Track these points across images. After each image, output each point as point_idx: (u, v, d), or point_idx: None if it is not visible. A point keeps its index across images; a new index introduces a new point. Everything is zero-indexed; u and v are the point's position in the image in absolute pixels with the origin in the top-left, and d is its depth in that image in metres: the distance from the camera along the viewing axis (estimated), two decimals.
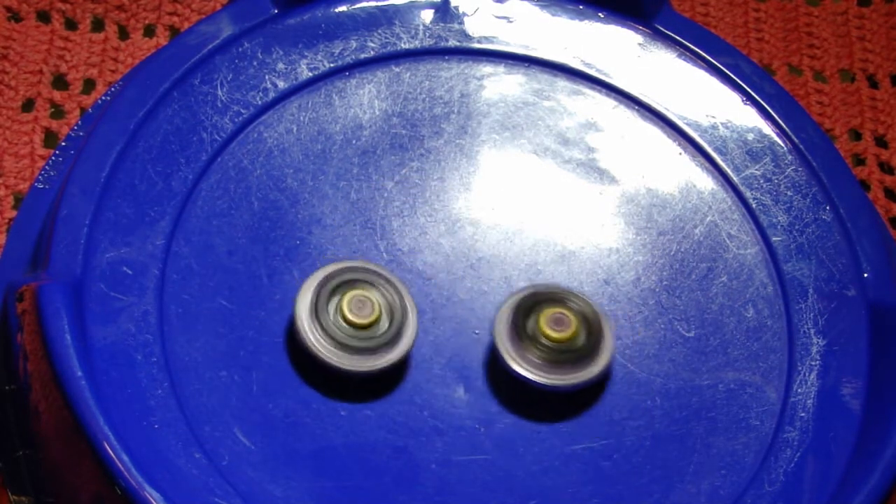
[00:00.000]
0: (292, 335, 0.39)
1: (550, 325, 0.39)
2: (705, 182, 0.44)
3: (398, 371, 0.39)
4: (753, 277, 0.43)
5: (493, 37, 0.45)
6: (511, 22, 0.46)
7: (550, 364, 0.39)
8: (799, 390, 0.41)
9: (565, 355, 0.39)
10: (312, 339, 0.38)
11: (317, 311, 0.38)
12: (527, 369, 0.39)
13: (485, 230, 0.42)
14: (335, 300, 0.38)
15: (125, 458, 0.35)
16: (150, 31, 0.51)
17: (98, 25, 0.51)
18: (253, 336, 0.39)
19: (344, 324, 0.38)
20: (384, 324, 0.38)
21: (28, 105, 0.49)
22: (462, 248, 0.42)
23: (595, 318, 0.39)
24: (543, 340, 0.39)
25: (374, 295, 0.39)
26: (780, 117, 0.45)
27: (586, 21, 0.46)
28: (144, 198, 0.40)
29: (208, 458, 0.37)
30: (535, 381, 0.38)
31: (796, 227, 0.43)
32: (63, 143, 0.45)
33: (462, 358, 0.40)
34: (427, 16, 0.45)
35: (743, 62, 0.46)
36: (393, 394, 0.39)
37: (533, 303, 0.39)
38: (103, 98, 0.46)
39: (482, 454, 0.39)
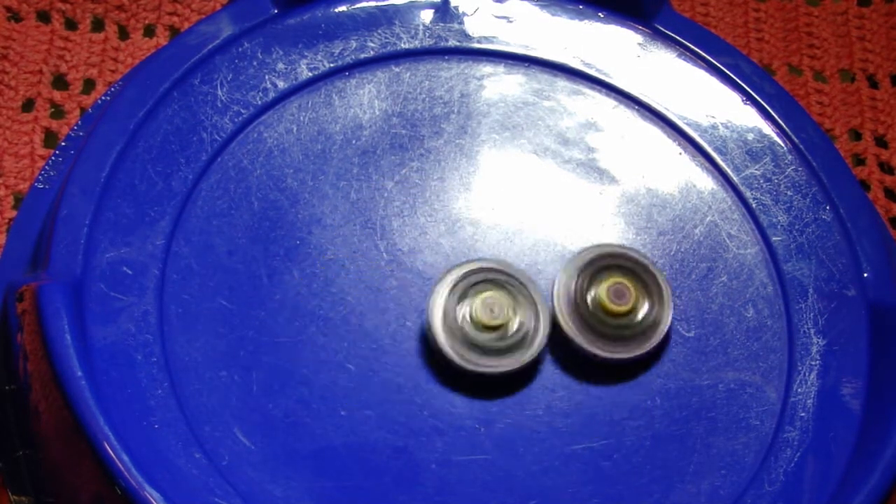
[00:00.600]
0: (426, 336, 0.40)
1: (611, 298, 0.39)
2: (705, 182, 0.44)
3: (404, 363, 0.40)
4: (753, 277, 0.43)
5: (493, 37, 0.45)
6: (511, 22, 0.46)
7: (612, 340, 0.39)
8: (799, 390, 0.41)
9: (627, 330, 0.39)
10: (443, 341, 0.39)
11: (454, 312, 0.39)
12: (594, 345, 0.39)
13: (485, 230, 0.42)
14: (466, 302, 0.39)
15: (125, 458, 0.35)
16: (150, 31, 0.51)
17: (98, 25, 0.51)
18: (253, 336, 0.39)
19: (473, 326, 0.39)
20: (513, 325, 0.39)
21: (28, 105, 0.49)
22: (462, 248, 0.42)
23: (654, 281, 0.40)
24: (603, 315, 0.39)
25: (504, 297, 0.39)
26: (780, 117, 0.45)
27: (586, 21, 0.46)
28: (144, 198, 0.40)
29: (208, 458, 0.37)
30: (602, 357, 0.39)
31: (796, 226, 0.43)
32: (63, 143, 0.45)
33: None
34: (427, 16, 0.45)
35: (743, 62, 0.46)
36: (393, 394, 0.39)
37: (594, 270, 0.40)
38: (103, 98, 0.46)
39: (482, 454, 0.39)
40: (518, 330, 0.39)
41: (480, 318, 0.39)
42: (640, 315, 0.40)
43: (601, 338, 0.39)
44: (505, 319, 0.39)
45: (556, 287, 0.40)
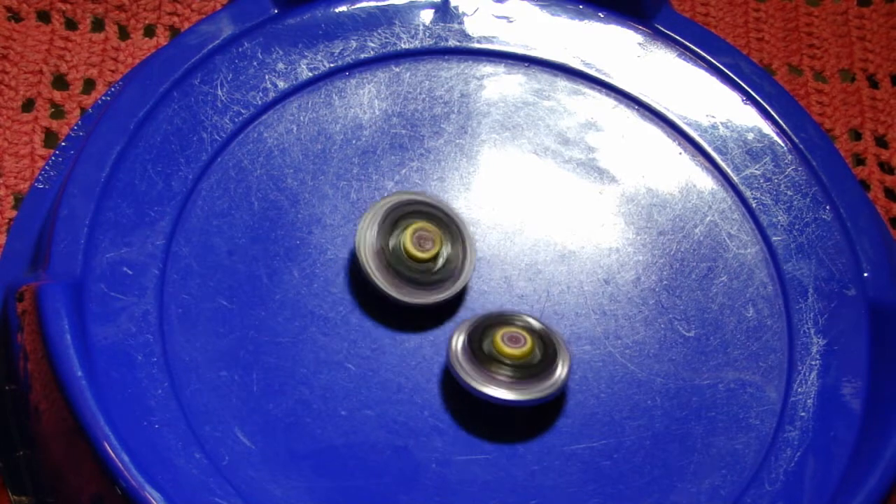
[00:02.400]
0: (355, 268, 0.39)
1: (507, 343, 0.39)
2: (705, 182, 0.44)
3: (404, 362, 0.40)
4: (753, 277, 0.43)
5: (493, 37, 0.45)
6: (511, 22, 0.46)
7: (513, 381, 0.39)
8: (799, 390, 0.41)
9: (525, 371, 0.39)
10: (375, 273, 0.39)
11: (379, 244, 0.39)
12: (492, 388, 0.38)
13: (485, 230, 0.43)
14: (397, 233, 0.39)
15: (125, 457, 0.35)
16: (150, 31, 0.51)
17: (98, 25, 0.51)
18: (253, 336, 0.39)
19: (406, 257, 0.39)
20: (441, 259, 0.40)
21: (28, 105, 0.49)
22: None
23: (545, 332, 0.39)
24: (502, 358, 0.39)
25: (434, 229, 0.40)
26: (780, 117, 0.45)
27: (586, 21, 0.46)
28: (144, 198, 0.40)
29: (208, 458, 0.37)
30: (501, 399, 0.38)
31: (796, 226, 0.43)
32: (63, 143, 0.45)
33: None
34: (427, 16, 0.45)
35: (743, 62, 0.46)
36: (394, 393, 0.39)
37: (485, 326, 0.39)
38: (103, 98, 0.46)
39: (482, 454, 0.39)
40: (448, 262, 0.39)
41: (410, 249, 0.39)
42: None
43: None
44: (435, 251, 0.39)
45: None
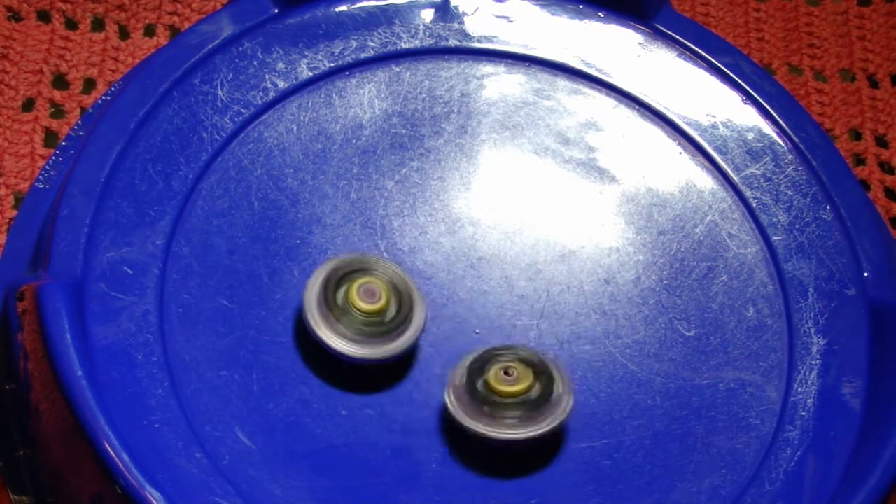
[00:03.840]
0: (301, 328, 0.39)
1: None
2: (705, 181, 0.44)
3: (405, 362, 0.40)
4: (754, 277, 0.43)
5: (494, 36, 0.45)
6: (511, 21, 0.46)
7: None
8: (799, 389, 0.41)
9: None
10: (323, 330, 0.38)
11: (325, 301, 0.38)
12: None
13: (485, 230, 0.42)
14: (343, 289, 0.38)
15: (126, 457, 0.35)
16: (150, 31, 0.51)
17: (98, 25, 0.51)
18: (254, 335, 0.39)
19: (356, 312, 0.38)
20: (392, 309, 0.38)
21: (28, 105, 0.49)
22: (462, 247, 0.42)
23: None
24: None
25: (380, 282, 0.39)
26: (780, 117, 0.45)
27: (586, 20, 0.46)
28: (145, 197, 0.40)
29: (209, 458, 0.37)
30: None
31: (796, 226, 0.43)
32: (63, 143, 0.45)
33: (462, 357, 0.40)
34: (427, 15, 0.45)
35: (743, 62, 0.46)
36: (394, 393, 0.39)
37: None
38: (103, 98, 0.46)
39: (483, 454, 0.39)
40: (397, 314, 0.38)
41: (358, 303, 0.38)
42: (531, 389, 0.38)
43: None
44: (383, 304, 0.38)
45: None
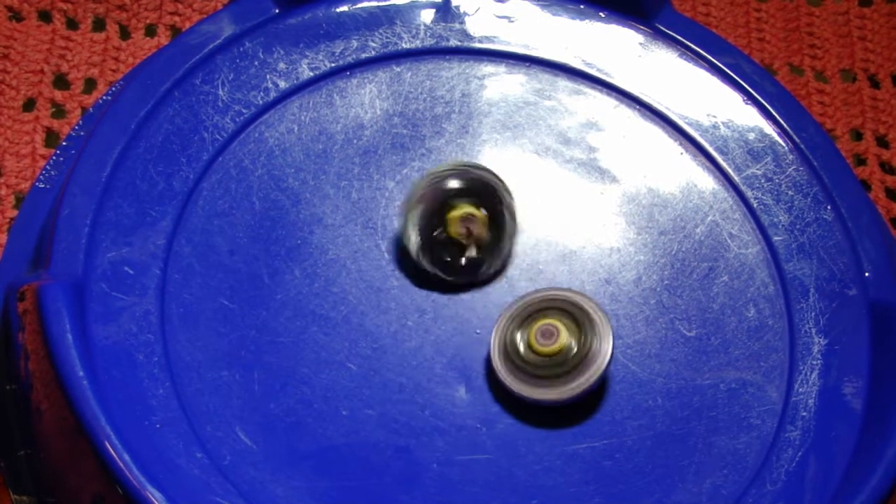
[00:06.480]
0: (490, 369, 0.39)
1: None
2: (706, 182, 0.44)
3: (405, 362, 0.40)
4: (754, 277, 0.43)
5: (495, 36, 0.45)
6: (512, 22, 0.46)
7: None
8: (800, 389, 0.41)
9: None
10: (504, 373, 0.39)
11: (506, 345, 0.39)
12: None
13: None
14: (524, 331, 0.39)
15: (126, 457, 0.35)
16: (151, 31, 0.51)
17: (99, 25, 0.51)
18: (254, 335, 0.39)
19: (532, 354, 0.38)
20: (571, 350, 0.38)
21: (29, 104, 0.49)
22: None
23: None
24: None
25: (560, 322, 0.39)
26: (781, 117, 0.45)
27: (587, 21, 0.46)
28: (146, 197, 0.40)
29: (210, 458, 0.37)
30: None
31: (797, 226, 0.43)
32: (64, 143, 0.45)
33: (463, 357, 0.40)
34: (428, 15, 0.45)
35: (744, 62, 0.46)
36: (394, 393, 0.39)
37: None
38: (104, 98, 0.46)
39: (484, 454, 0.39)
40: (576, 355, 0.38)
41: (535, 344, 0.38)
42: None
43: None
44: (560, 346, 0.38)
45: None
